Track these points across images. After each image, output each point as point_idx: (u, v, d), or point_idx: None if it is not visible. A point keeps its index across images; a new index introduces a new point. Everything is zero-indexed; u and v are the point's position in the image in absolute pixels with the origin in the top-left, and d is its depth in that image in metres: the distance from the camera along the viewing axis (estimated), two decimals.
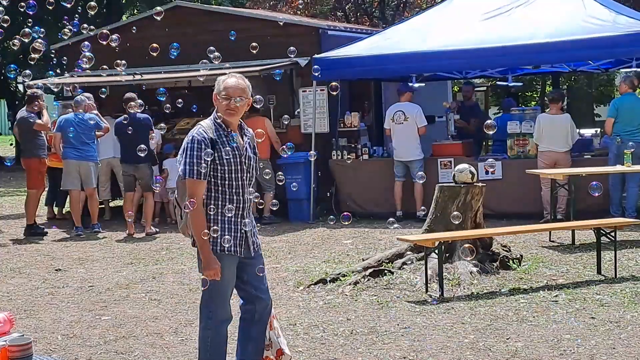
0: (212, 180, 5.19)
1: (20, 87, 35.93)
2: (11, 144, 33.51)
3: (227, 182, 5.20)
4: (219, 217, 5.20)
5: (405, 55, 13.47)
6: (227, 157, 5.15)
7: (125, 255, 11.33)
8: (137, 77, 14.72)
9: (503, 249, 9.49)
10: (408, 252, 9.28)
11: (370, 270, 8.87)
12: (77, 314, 8.11)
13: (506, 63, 13.36)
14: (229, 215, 5.19)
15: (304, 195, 13.90)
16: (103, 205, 15.40)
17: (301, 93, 14.63)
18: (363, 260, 9.77)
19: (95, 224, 13.44)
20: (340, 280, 8.84)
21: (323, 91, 14.37)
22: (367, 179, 14.03)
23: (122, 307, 8.30)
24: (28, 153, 13.40)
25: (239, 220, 5.27)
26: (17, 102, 35.69)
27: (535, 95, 31.27)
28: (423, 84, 15.16)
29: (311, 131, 14.22)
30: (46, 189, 14.70)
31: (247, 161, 5.27)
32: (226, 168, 5.17)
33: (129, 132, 12.68)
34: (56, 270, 10.41)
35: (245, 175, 5.26)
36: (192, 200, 5.03)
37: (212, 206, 5.18)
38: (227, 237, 5.20)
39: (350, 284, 8.66)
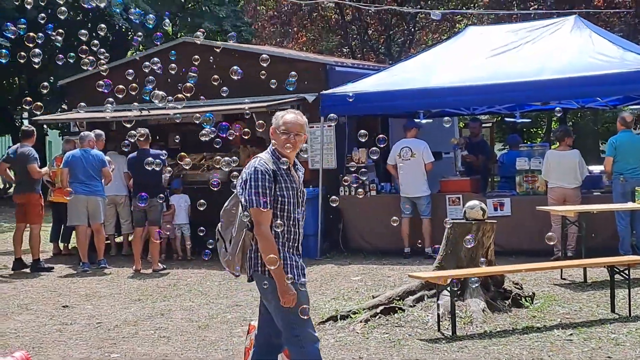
0: (272, 212, 5.26)
1: (26, 122, 36.02)
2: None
3: (285, 214, 5.30)
4: (285, 249, 5.30)
5: (413, 91, 13.47)
6: (287, 190, 5.28)
7: (133, 291, 11.24)
8: (145, 112, 14.74)
9: (515, 287, 9.39)
10: (419, 289, 9.20)
11: (381, 308, 8.79)
12: (86, 351, 8.02)
13: (514, 99, 13.34)
14: (289, 246, 5.33)
15: (312, 231, 13.84)
16: (109, 241, 15.35)
17: (308, 129, 14.59)
18: (373, 297, 9.68)
19: (102, 260, 13.37)
20: (351, 317, 8.75)
21: (331, 127, 14.37)
22: (375, 215, 13.97)
23: (131, 345, 8.20)
24: (28, 188, 13.38)
25: (293, 252, 5.38)
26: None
27: (540, 132, 31.27)
28: (430, 120, 15.15)
29: (318, 167, 14.19)
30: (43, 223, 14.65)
31: (301, 195, 5.42)
32: (285, 200, 5.28)
33: (142, 168, 12.64)
34: (63, 306, 10.32)
35: (300, 209, 5.39)
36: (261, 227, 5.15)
37: (279, 237, 5.27)
38: (293, 267, 5.33)
39: (361, 322, 8.57)
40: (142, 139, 12.62)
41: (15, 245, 13.72)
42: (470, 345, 7.75)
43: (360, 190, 13.98)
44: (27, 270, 13.40)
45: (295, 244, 5.40)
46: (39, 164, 13.53)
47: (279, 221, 5.23)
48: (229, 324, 9.01)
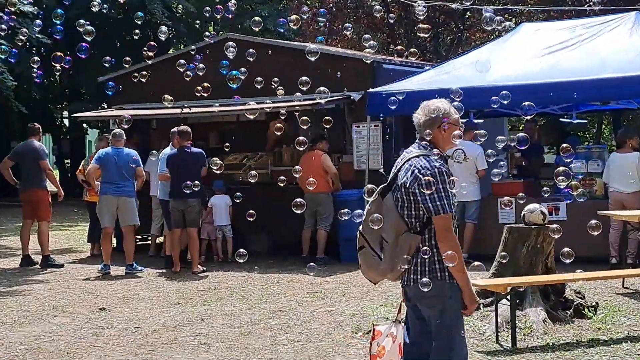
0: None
1: (66, 121, 35.97)
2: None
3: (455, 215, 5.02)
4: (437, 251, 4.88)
5: (465, 90, 12.83)
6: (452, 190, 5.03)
7: (172, 294, 10.82)
8: (185, 110, 14.35)
9: (577, 296, 8.82)
10: None
11: None
12: (123, 358, 7.59)
13: (573, 99, 12.70)
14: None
15: (356, 234, 13.30)
16: (150, 241, 14.98)
17: (354, 128, 14.13)
18: None
19: (130, 265, 12.76)
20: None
21: (377, 127, 13.86)
22: None
23: (170, 352, 7.76)
24: (36, 184, 13.14)
25: None
26: (61, 136, 35.75)
27: (588, 135, 30.45)
28: (482, 121, 14.57)
29: (364, 167, 13.69)
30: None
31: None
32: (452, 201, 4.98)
33: (181, 167, 12.28)
34: (100, 309, 9.92)
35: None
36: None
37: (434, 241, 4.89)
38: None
39: None
40: (181, 136, 12.24)
41: (22, 242, 13.50)
42: (532, 359, 7.21)
43: None
44: (37, 266, 13.21)
45: None
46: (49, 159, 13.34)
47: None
48: (272, 331, 8.54)
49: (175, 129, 12.96)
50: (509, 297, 7.89)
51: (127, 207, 12.75)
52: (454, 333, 4.96)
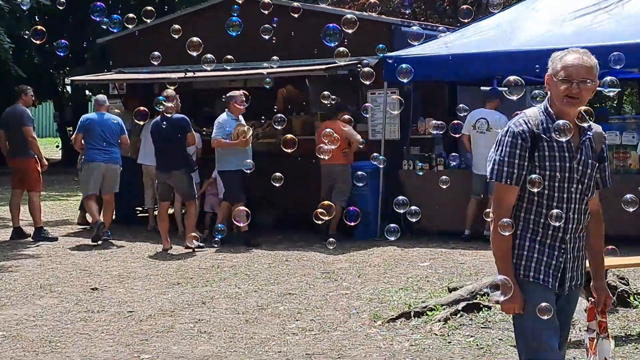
0: (526, 187, 3.99)
1: (69, 88, 35.02)
2: (57, 146, 32.53)
3: (546, 192, 3.99)
4: (528, 236, 4.03)
5: (490, 55, 11.96)
6: (552, 159, 4.00)
7: (171, 273, 9.94)
8: (189, 74, 13.42)
9: (620, 282, 7.92)
10: None
11: (463, 304, 7.37)
12: (112, 349, 6.73)
13: (607, 65, 11.71)
14: (541, 236, 4.02)
15: (371, 209, 12.44)
16: (147, 214, 14.13)
17: (369, 96, 13.18)
18: (449, 289, 8.28)
19: (108, 232, 12.23)
20: (427, 315, 7.35)
21: (394, 94, 12.92)
22: (441, 192, 12.50)
23: (165, 342, 6.89)
24: (21, 153, 12.28)
25: (556, 244, 4.02)
26: (64, 104, 34.79)
27: (610, 103, 29.21)
28: (506, 88, 13.57)
29: (380, 138, 12.76)
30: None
31: (582, 168, 4.06)
32: (547, 173, 3.97)
33: (162, 136, 11.38)
34: (92, 289, 9.06)
35: (576, 186, 4.04)
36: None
37: (521, 221, 4.04)
38: (534, 261, 4.02)
39: (439, 321, 7.16)
40: (167, 102, 11.30)
41: (12, 214, 12.63)
42: (576, 354, 6.32)
43: (425, 164, 12.67)
44: (30, 239, 12.37)
45: (560, 234, 4.02)
46: (34, 126, 12.38)
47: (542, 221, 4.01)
48: (281, 317, 7.66)
49: (230, 94, 12.18)
50: None
51: (114, 174, 12.29)
52: (522, 345, 4.19)
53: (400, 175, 12.70)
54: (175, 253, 11.34)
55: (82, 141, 12.26)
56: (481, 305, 7.37)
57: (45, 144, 26.59)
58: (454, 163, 12.46)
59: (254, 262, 10.55)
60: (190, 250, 11.29)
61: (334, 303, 8.21)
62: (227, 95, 12.22)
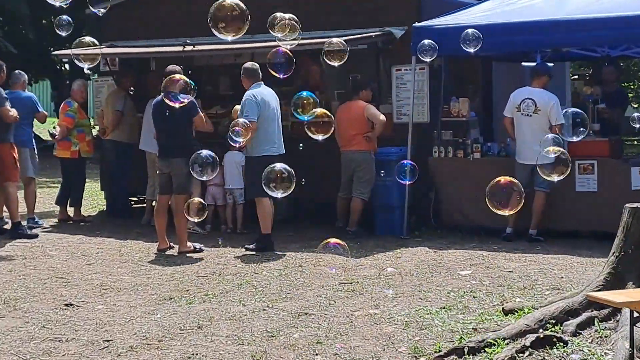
0: None
1: (67, 66, 33.39)
2: (54, 128, 30.90)
3: None
4: None
5: (535, 24, 10.28)
6: None
7: (164, 283, 8.33)
8: (189, 48, 11.78)
9: None
10: (584, 308, 6.14)
11: (531, 338, 5.73)
12: None
13: None
14: None
15: (397, 202, 10.82)
16: (144, 204, 12.55)
17: (395, 73, 11.51)
18: (505, 311, 6.68)
19: (32, 218, 11.58)
20: (484, 351, 5.71)
21: (423, 70, 11.27)
22: (477, 183, 10.86)
23: None
24: None
25: None
26: (62, 82, 33.17)
27: None
28: (551, 64, 11.88)
29: (407, 121, 11.09)
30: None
31: None
32: None
33: (165, 118, 9.77)
34: (66, 305, 7.44)
35: None
36: None
37: None
38: None
39: None
40: (169, 80, 9.59)
41: None
42: None
43: (459, 151, 11.03)
44: (7, 234, 10.95)
45: None
46: (10, 105, 10.78)
47: None
48: (296, 350, 6.03)
49: (18, 73, 11.67)
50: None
51: (23, 156, 11.25)
52: None
53: (430, 163, 11.06)
54: (170, 254, 9.75)
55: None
56: (554, 339, 5.73)
57: (40, 125, 24.98)
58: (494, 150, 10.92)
59: (261, 268, 8.92)
60: (186, 253, 9.70)
61: (361, 327, 6.59)
62: (12, 74, 11.65)
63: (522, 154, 10.36)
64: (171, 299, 7.63)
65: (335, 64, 7.48)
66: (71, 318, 7.03)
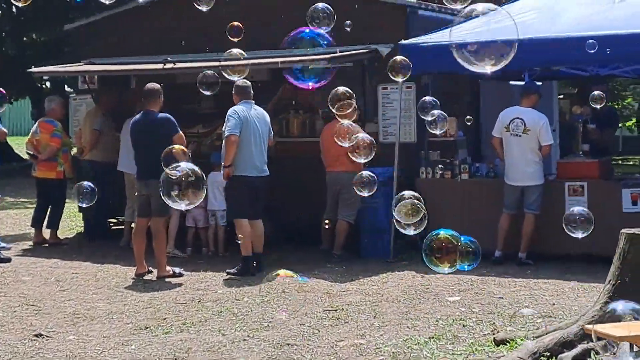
0: None
1: (48, 84, 32.97)
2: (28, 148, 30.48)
3: None
4: None
5: (526, 42, 10.00)
6: None
7: (140, 310, 7.97)
8: (169, 65, 11.47)
9: None
10: (578, 339, 5.84)
11: None
12: None
13: None
14: None
15: (383, 225, 10.50)
16: (122, 226, 12.17)
17: (381, 91, 11.23)
18: (496, 342, 6.38)
19: None
20: None
21: (410, 89, 11.00)
22: (466, 205, 10.60)
23: None
24: None
25: None
26: (42, 100, 32.73)
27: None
28: (540, 83, 11.65)
29: (394, 140, 10.80)
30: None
31: None
32: None
33: (142, 138, 9.44)
34: (35, 335, 7.07)
35: None
36: None
37: None
38: None
39: None
40: (146, 97, 9.25)
41: None
42: None
43: (447, 171, 10.75)
44: None
45: None
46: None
47: None
48: None
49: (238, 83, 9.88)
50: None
51: None
52: None
53: (418, 184, 10.75)
54: (149, 279, 9.41)
55: None
56: None
57: (21, 144, 24.66)
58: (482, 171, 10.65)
59: (243, 294, 8.57)
60: (164, 277, 9.36)
61: (346, 359, 6.26)
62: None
63: (510, 175, 10.08)
64: (147, 328, 7.28)
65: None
66: (40, 350, 6.68)
